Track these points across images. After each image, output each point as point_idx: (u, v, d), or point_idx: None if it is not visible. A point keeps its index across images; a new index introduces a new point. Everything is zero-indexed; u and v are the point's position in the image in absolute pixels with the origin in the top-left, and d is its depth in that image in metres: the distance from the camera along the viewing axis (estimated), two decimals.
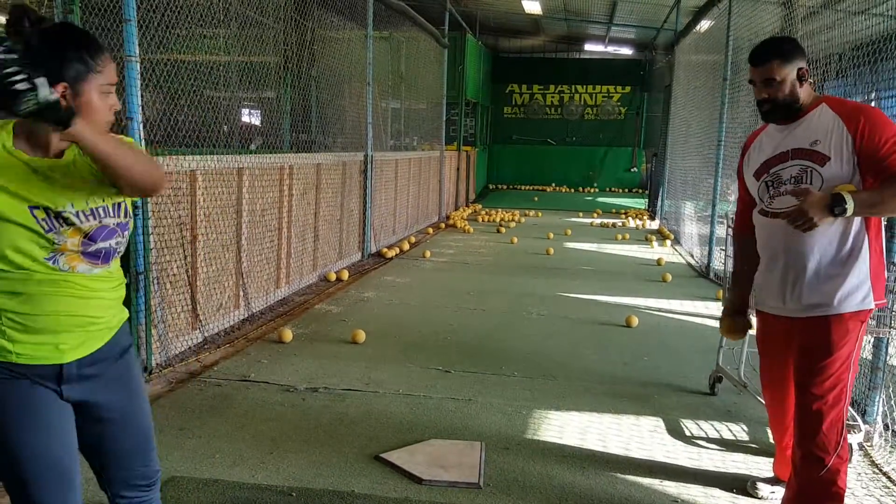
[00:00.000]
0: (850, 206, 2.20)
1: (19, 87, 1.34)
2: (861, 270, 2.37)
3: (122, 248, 1.75)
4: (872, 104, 4.13)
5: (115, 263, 1.75)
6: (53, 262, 1.60)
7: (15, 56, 1.35)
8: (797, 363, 2.50)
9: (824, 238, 2.38)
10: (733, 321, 2.85)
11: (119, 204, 1.71)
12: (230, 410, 3.57)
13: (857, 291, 2.37)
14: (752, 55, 2.47)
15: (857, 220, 2.36)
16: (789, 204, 2.40)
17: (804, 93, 2.43)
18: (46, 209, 1.58)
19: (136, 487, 1.87)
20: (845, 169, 2.32)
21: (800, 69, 2.40)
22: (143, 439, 1.85)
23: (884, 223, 2.51)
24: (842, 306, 2.37)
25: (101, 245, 1.66)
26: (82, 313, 1.67)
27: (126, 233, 1.75)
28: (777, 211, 2.47)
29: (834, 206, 2.21)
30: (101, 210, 1.66)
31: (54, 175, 1.60)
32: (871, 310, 2.41)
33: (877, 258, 2.41)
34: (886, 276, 2.50)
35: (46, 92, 1.37)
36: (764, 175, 2.52)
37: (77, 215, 1.61)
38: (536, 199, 16.63)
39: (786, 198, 2.43)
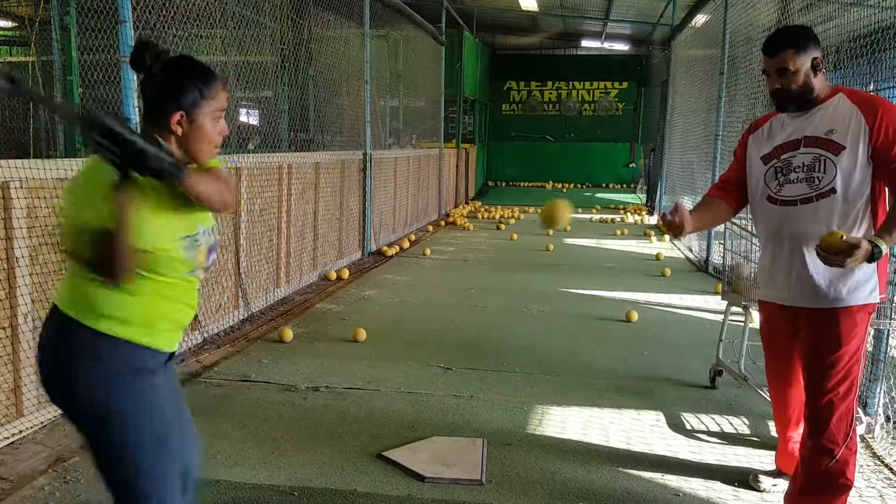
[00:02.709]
0: (884, 249, 2.19)
1: (142, 146, 1.47)
2: (870, 264, 2.34)
3: None
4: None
5: None
6: (191, 274, 1.78)
7: (124, 129, 1.47)
8: (806, 357, 2.49)
9: (831, 230, 2.37)
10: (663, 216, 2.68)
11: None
12: (231, 411, 3.57)
13: (866, 284, 2.36)
14: (766, 44, 2.42)
15: (867, 215, 2.35)
16: (799, 192, 2.40)
17: (819, 83, 2.39)
18: (187, 237, 1.71)
19: (192, 465, 2.04)
20: (860, 159, 2.31)
21: (814, 59, 2.37)
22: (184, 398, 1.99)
23: None
24: (851, 298, 2.36)
25: (213, 257, 1.85)
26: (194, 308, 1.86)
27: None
28: (786, 199, 2.45)
29: (874, 258, 2.19)
30: (215, 228, 1.85)
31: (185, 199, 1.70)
32: (877, 303, 2.41)
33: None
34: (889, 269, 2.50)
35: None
36: (773, 160, 2.50)
37: (205, 234, 1.77)
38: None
39: (796, 185, 2.41)
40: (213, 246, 1.84)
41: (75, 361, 1.68)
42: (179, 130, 1.68)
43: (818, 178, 2.37)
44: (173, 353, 1.84)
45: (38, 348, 1.77)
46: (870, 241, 2.17)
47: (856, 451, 2.46)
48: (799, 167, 2.42)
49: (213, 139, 1.74)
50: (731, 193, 2.67)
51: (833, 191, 2.35)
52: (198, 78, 1.69)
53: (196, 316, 4.52)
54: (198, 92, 1.68)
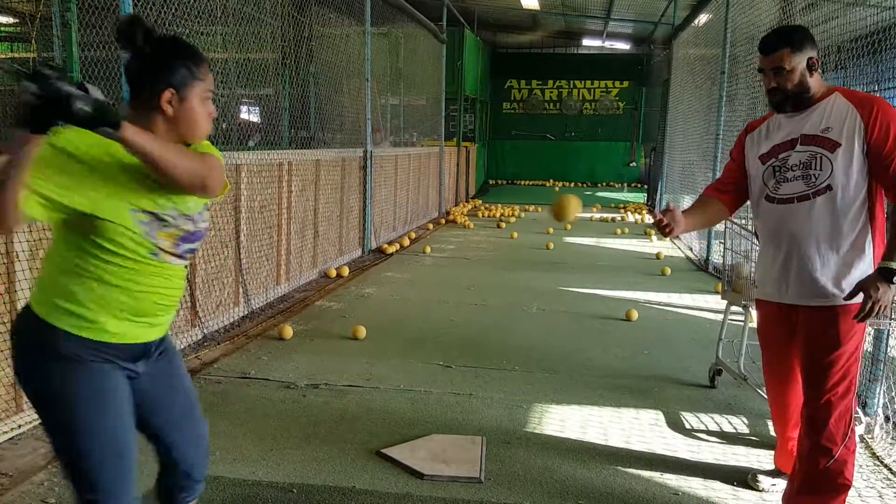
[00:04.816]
0: None
1: (67, 89, 1.36)
2: (866, 262, 2.36)
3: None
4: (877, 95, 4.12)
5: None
6: (155, 257, 1.70)
7: (54, 73, 1.37)
8: (805, 356, 2.48)
9: (828, 227, 2.37)
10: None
11: (207, 206, 1.83)
12: (230, 407, 3.57)
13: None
14: (762, 44, 2.43)
15: (863, 213, 2.35)
16: (796, 190, 2.41)
17: (815, 82, 2.40)
18: (150, 212, 1.65)
19: (195, 465, 1.98)
20: (856, 156, 2.31)
21: (810, 58, 2.38)
22: (194, 400, 2.01)
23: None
24: (848, 298, 2.36)
25: (190, 246, 1.77)
26: (173, 297, 1.80)
27: (206, 233, 1.86)
28: (783, 197, 2.46)
29: (892, 280, 2.23)
30: (197, 216, 1.77)
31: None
32: None
33: (880, 251, 2.39)
34: None
35: (98, 94, 1.44)
36: (771, 159, 2.50)
37: (176, 219, 1.70)
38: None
39: (793, 183, 2.42)
40: (194, 235, 1.77)
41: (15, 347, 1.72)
42: (170, 110, 1.66)
43: (815, 175, 2.38)
44: (146, 344, 1.78)
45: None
46: (880, 267, 2.24)
47: (854, 451, 2.46)
48: (795, 165, 2.42)
49: (204, 120, 1.73)
50: (727, 194, 2.68)
51: (829, 188, 2.35)
52: (188, 57, 1.68)
53: (196, 312, 4.53)
54: (188, 71, 1.67)
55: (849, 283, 2.35)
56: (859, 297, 2.35)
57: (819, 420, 2.43)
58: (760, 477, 2.88)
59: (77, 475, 1.72)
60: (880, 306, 2.24)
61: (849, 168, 2.32)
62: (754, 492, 2.85)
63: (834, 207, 2.35)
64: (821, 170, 2.36)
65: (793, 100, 2.42)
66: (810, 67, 2.38)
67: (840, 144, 2.33)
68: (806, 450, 2.49)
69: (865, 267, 2.36)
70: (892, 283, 2.23)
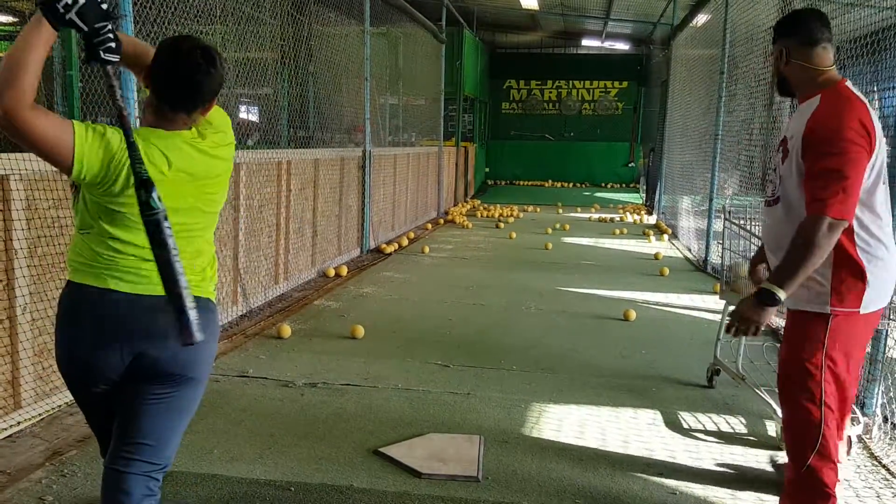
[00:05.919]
0: (779, 294, 2.16)
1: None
2: (821, 272, 2.24)
3: None
4: (875, 97, 4.12)
5: None
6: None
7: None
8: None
9: (781, 237, 2.33)
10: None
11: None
12: (228, 406, 3.57)
13: (811, 291, 2.27)
14: None
15: None
16: (767, 195, 2.44)
17: (795, 74, 2.34)
18: None
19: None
20: (794, 171, 2.24)
21: (784, 49, 2.33)
22: None
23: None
24: (799, 303, 2.30)
25: None
26: None
27: None
28: (764, 199, 2.49)
29: (764, 302, 2.17)
30: None
31: None
32: (831, 314, 2.26)
33: (849, 264, 2.25)
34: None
35: None
36: (773, 156, 2.53)
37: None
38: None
39: (769, 186, 2.45)
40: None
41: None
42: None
43: (775, 182, 2.39)
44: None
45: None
46: (761, 289, 2.19)
47: (830, 460, 2.36)
48: (775, 168, 2.44)
49: None
50: None
51: (778, 199, 2.34)
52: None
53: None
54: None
55: (803, 291, 2.27)
56: (815, 306, 2.27)
57: (787, 424, 2.43)
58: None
59: (174, 447, 2.02)
60: (751, 329, 2.20)
61: (793, 181, 2.26)
62: (752, 492, 2.85)
63: (784, 218, 2.32)
64: (778, 177, 2.36)
65: (778, 87, 2.45)
66: (782, 55, 2.35)
67: (787, 156, 2.29)
68: (787, 455, 2.50)
69: (821, 276, 2.25)
70: (768, 306, 2.18)
